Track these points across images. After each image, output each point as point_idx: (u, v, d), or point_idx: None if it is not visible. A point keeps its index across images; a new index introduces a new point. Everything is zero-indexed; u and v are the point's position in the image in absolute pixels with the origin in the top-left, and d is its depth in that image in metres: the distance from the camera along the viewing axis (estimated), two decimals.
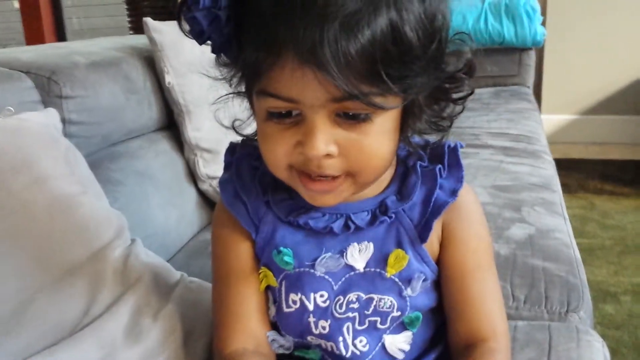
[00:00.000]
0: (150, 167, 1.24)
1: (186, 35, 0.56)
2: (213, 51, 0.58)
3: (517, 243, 1.17)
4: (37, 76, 1.05)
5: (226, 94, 0.63)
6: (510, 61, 2.72)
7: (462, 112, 0.61)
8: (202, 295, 0.84)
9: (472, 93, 0.60)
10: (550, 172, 1.63)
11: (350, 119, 0.53)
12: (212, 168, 1.35)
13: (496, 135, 1.97)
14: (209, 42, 0.57)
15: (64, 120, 1.03)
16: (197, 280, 0.89)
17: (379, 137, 0.55)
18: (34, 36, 3.19)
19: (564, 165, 2.75)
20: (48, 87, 1.05)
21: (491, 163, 1.67)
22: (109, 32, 3.54)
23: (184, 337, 0.76)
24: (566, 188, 2.47)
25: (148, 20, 1.28)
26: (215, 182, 1.34)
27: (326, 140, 0.53)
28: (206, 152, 1.34)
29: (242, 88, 0.60)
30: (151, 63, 1.32)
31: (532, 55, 2.77)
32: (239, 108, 0.64)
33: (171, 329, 0.76)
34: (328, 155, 0.54)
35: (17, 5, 3.52)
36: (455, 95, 0.59)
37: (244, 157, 0.68)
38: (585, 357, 0.83)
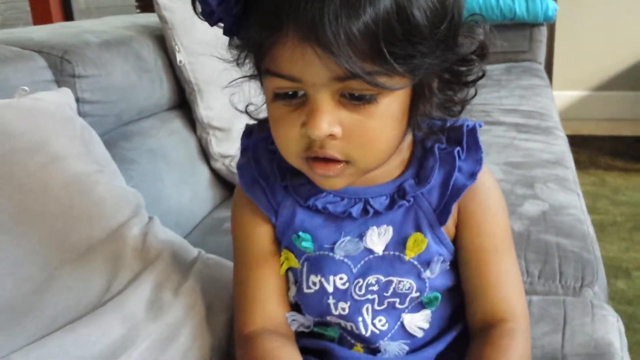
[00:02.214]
0: (163, 146, 1.25)
1: (198, 17, 0.55)
2: (225, 33, 0.57)
3: (530, 219, 1.17)
4: (50, 55, 1.05)
5: (238, 77, 0.62)
6: (521, 37, 2.68)
7: (474, 96, 0.60)
8: (220, 272, 0.85)
9: (483, 75, 0.58)
10: (562, 148, 1.62)
11: (355, 99, 0.52)
12: (225, 146, 1.35)
13: (508, 112, 1.95)
14: (220, 24, 0.56)
15: (77, 100, 1.04)
16: (214, 257, 0.89)
17: (384, 120, 0.54)
18: (41, 15, 3.17)
19: (575, 142, 2.73)
20: (61, 67, 1.05)
21: (503, 140, 1.66)
22: (116, 10, 3.52)
23: (204, 311, 0.77)
24: (577, 164, 2.44)
25: None
26: (227, 161, 1.34)
27: (330, 121, 0.52)
28: (218, 130, 1.34)
29: (254, 71, 0.60)
30: (162, 41, 1.31)
31: (543, 31, 2.73)
32: (254, 92, 0.64)
33: (192, 303, 0.77)
34: (331, 136, 0.53)
35: None
36: (466, 78, 0.58)
37: (260, 140, 0.67)
38: (600, 331, 0.83)
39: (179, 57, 1.27)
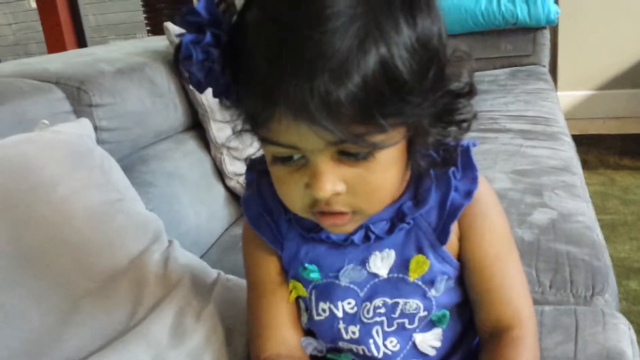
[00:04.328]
0: (179, 168, 1.28)
1: (185, 83, 0.56)
2: (214, 96, 0.57)
3: (540, 228, 1.18)
4: (67, 87, 1.08)
5: (234, 132, 0.61)
6: (524, 41, 2.70)
7: (467, 131, 0.59)
8: (239, 294, 0.86)
9: (474, 117, 0.58)
10: (569, 154, 1.63)
11: (352, 156, 0.52)
12: (238, 165, 1.38)
13: (514, 118, 1.96)
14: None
15: (95, 128, 1.07)
16: (233, 278, 0.91)
17: (384, 171, 0.55)
18: (52, 35, 3.22)
19: (582, 142, 2.74)
20: (78, 97, 1.08)
21: (510, 147, 1.67)
22: (126, 27, 3.56)
23: (225, 335, 0.79)
24: (586, 165, 2.46)
25: (169, 24, 1.31)
26: (242, 179, 1.37)
27: (332, 181, 0.53)
28: (232, 149, 1.37)
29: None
30: (174, 66, 1.34)
31: (546, 34, 2.75)
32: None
33: (213, 328, 0.79)
34: (336, 193, 0.54)
35: (33, 4, 3.55)
36: (458, 117, 0.57)
37: (263, 173, 0.67)
38: (612, 340, 0.84)
39: None
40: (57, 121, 0.96)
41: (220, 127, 1.36)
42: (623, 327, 0.88)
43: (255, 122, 0.53)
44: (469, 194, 0.63)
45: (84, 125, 0.99)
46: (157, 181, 1.19)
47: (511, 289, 0.66)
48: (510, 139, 1.75)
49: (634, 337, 0.88)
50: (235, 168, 1.38)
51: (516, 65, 2.69)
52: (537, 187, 1.37)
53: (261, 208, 0.68)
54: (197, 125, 1.42)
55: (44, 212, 0.76)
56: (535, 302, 0.87)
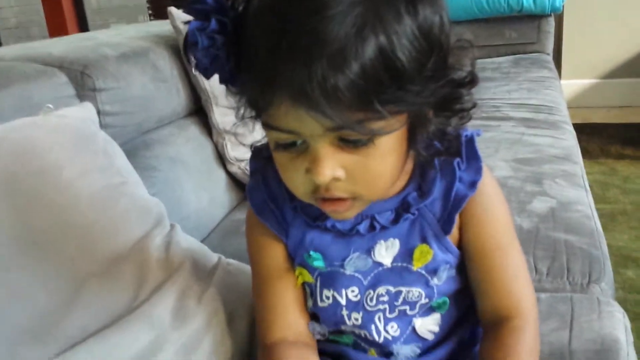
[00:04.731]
0: (181, 153, 1.29)
1: (192, 70, 0.57)
2: (220, 82, 0.58)
3: (539, 216, 1.19)
4: (71, 71, 1.09)
5: (240, 119, 0.62)
6: (529, 28, 2.69)
7: (468, 120, 0.60)
8: (240, 277, 0.88)
9: (474, 107, 0.58)
10: (571, 142, 1.64)
11: (352, 143, 0.53)
12: (240, 151, 1.39)
13: (517, 107, 1.97)
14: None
15: (98, 112, 1.07)
16: (234, 262, 0.92)
17: (384, 158, 0.55)
18: (54, 17, 3.21)
19: (584, 131, 2.74)
20: (82, 81, 1.09)
21: (512, 135, 1.68)
22: (127, 11, 3.56)
23: (226, 318, 0.81)
24: (587, 154, 2.47)
25: (172, 9, 1.31)
26: (243, 164, 1.38)
27: (332, 166, 0.53)
28: (237, 135, 1.37)
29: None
30: (177, 51, 1.35)
31: (551, 22, 2.74)
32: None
33: (214, 311, 0.80)
34: (335, 179, 0.54)
35: None
36: (459, 106, 0.58)
37: (268, 161, 0.66)
38: (607, 327, 0.85)
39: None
40: (60, 105, 0.97)
41: (223, 113, 1.36)
42: (618, 314, 0.89)
43: (256, 108, 0.55)
44: (473, 185, 0.63)
45: (88, 110, 1.00)
46: (160, 166, 1.20)
47: (512, 279, 0.67)
48: (512, 127, 1.76)
49: (629, 324, 0.89)
50: (237, 153, 1.39)
51: (520, 53, 2.69)
52: (537, 175, 1.38)
53: (266, 196, 0.69)
54: (199, 111, 1.42)
55: (50, 195, 0.77)
56: None
